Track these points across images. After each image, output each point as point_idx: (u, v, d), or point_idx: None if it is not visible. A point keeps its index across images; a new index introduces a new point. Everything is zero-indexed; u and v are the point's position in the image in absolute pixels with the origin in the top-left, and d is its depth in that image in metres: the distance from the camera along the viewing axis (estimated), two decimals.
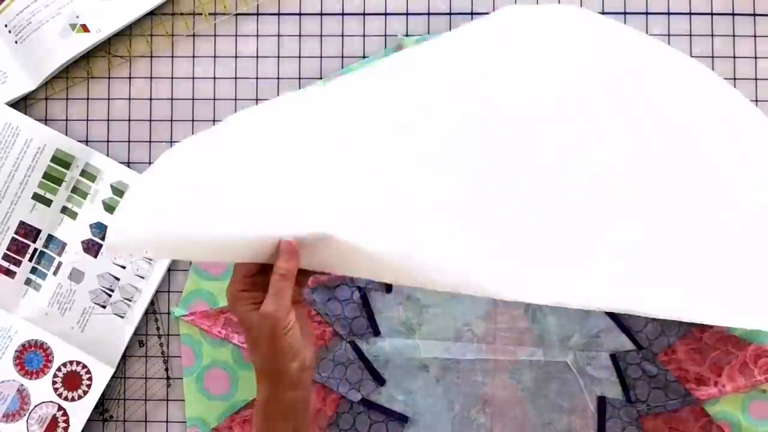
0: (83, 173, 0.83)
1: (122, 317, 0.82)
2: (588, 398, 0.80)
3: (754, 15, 0.83)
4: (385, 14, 0.84)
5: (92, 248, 0.82)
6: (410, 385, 0.81)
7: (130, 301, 0.82)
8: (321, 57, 0.84)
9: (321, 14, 0.85)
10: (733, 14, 0.83)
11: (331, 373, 0.81)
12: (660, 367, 0.79)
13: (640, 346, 0.80)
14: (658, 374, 0.79)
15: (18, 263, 0.82)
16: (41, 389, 0.81)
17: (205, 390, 0.82)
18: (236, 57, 0.85)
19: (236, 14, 0.85)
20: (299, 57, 0.84)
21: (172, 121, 0.85)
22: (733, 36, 0.83)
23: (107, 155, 0.84)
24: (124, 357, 0.83)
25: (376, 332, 0.81)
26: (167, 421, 0.83)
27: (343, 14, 0.84)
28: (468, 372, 0.81)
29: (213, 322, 0.81)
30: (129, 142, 0.84)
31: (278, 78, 0.84)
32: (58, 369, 0.82)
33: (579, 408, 0.80)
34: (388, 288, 0.81)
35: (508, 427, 0.80)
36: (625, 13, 0.83)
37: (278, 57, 0.84)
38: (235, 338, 0.81)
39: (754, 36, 0.83)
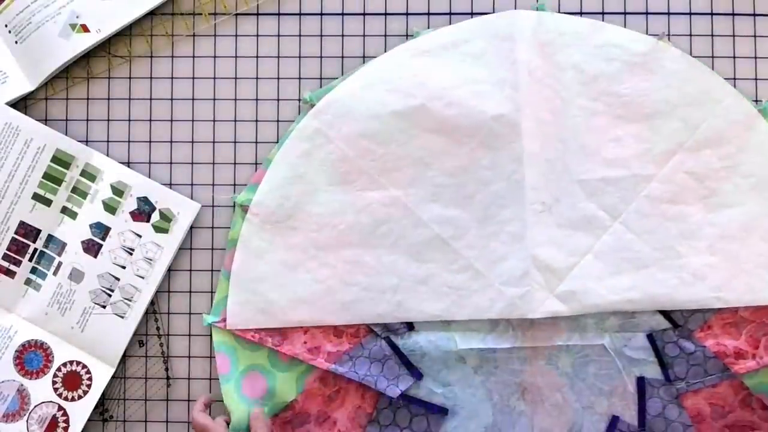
0: (83, 173, 0.83)
1: (122, 317, 0.82)
2: (627, 379, 0.80)
3: (754, 15, 0.83)
4: (385, 14, 0.84)
5: (92, 248, 0.82)
6: (448, 378, 0.81)
7: (130, 301, 0.82)
8: (321, 57, 0.84)
9: (321, 14, 0.85)
10: (733, 14, 0.83)
11: (368, 371, 0.80)
12: (697, 344, 0.79)
13: (676, 324, 0.80)
14: (696, 351, 0.79)
15: (18, 263, 0.82)
16: (41, 389, 0.81)
17: (244, 395, 0.81)
18: (236, 57, 0.85)
19: (236, 14, 0.85)
20: (299, 57, 0.84)
21: (172, 121, 0.85)
22: (733, 36, 0.83)
23: (107, 155, 0.84)
24: (124, 357, 0.83)
25: (411, 326, 0.81)
26: (167, 421, 0.83)
27: (343, 14, 0.84)
28: (505, 361, 0.81)
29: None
30: (129, 142, 0.85)
31: (278, 78, 0.84)
32: (58, 369, 0.82)
33: (618, 390, 0.80)
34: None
35: (548, 413, 0.80)
36: (625, 13, 0.83)
37: (278, 57, 0.84)
38: (268, 341, 0.81)
39: (754, 36, 0.83)
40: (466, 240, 0.80)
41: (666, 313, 0.80)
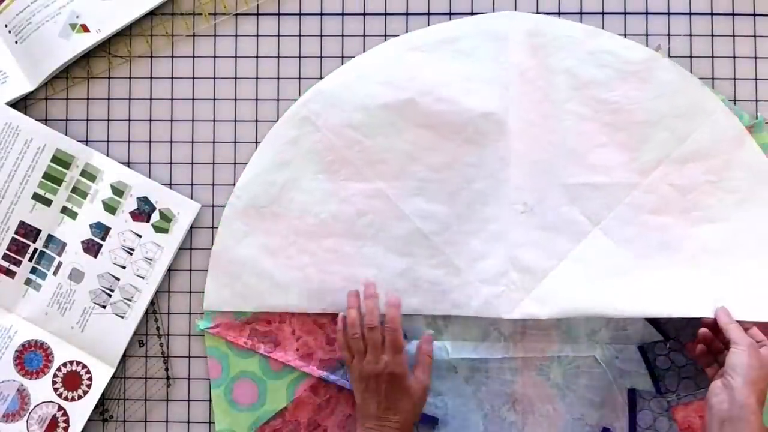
0: (83, 173, 0.83)
1: (122, 317, 0.82)
2: (618, 391, 0.80)
3: (754, 15, 0.83)
4: (385, 14, 0.84)
5: (92, 248, 0.82)
6: (439, 387, 0.81)
7: (130, 301, 0.82)
8: (321, 57, 0.84)
9: (321, 14, 0.85)
10: (733, 14, 0.83)
11: None
12: (688, 357, 0.79)
13: (668, 337, 0.80)
14: (687, 364, 0.79)
15: (18, 263, 0.82)
16: (41, 389, 0.81)
17: (234, 401, 0.81)
18: (236, 57, 0.85)
19: (236, 14, 0.85)
20: (299, 57, 0.84)
21: (172, 121, 0.85)
22: (733, 36, 0.83)
23: (107, 155, 0.84)
24: (124, 357, 0.83)
25: (404, 335, 0.81)
26: (167, 421, 0.83)
27: (343, 14, 0.84)
28: (497, 371, 0.81)
29: (238, 333, 0.82)
30: (129, 142, 0.84)
31: (278, 78, 0.84)
32: (58, 369, 0.82)
33: (609, 401, 0.80)
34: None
35: (539, 424, 0.80)
36: (625, 13, 0.83)
37: (278, 57, 0.84)
38: (261, 348, 0.81)
39: (754, 36, 0.83)
40: (446, 236, 0.80)
41: (658, 326, 0.80)
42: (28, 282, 0.82)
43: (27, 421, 0.81)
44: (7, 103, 0.82)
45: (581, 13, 0.83)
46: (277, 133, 0.82)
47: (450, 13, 0.84)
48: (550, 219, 0.80)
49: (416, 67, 0.81)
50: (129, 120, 0.85)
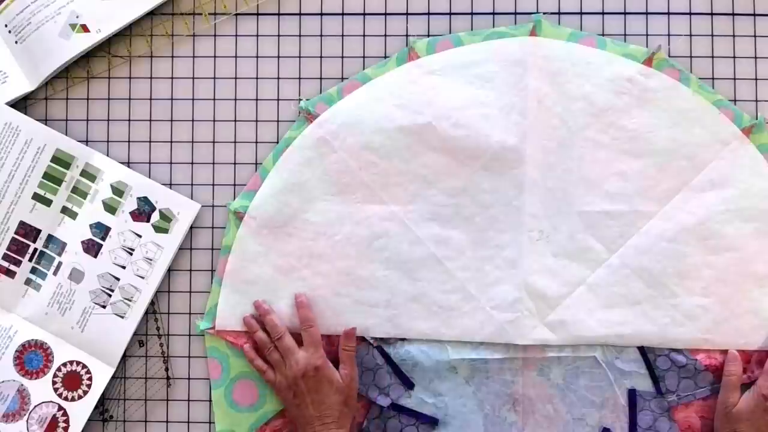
0: (83, 173, 0.83)
1: (122, 317, 0.82)
2: (618, 392, 0.80)
3: (754, 15, 0.83)
4: (385, 14, 0.84)
5: (92, 248, 0.82)
6: (440, 387, 0.81)
7: (130, 301, 0.82)
8: (321, 57, 0.84)
9: (321, 14, 0.85)
10: (733, 14, 0.83)
11: (360, 379, 0.80)
12: (689, 357, 0.80)
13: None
14: (687, 364, 0.79)
15: (18, 263, 0.82)
16: (41, 389, 0.81)
17: (234, 402, 0.81)
18: (236, 57, 0.85)
19: (236, 14, 0.85)
20: (299, 57, 0.84)
21: (172, 121, 0.85)
22: (733, 36, 0.83)
23: (107, 155, 0.84)
24: (124, 357, 0.83)
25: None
26: (167, 421, 0.83)
27: (343, 14, 0.84)
28: (497, 371, 0.81)
29: (238, 334, 0.82)
30: (129, 142, 0.85)
31: (278, 78, 0.84)
32: (58, 369, 0.82)
33: (610, 402, 0.80)
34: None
35: (539, 424, 0.80)
36: (625, 13, 0.83)
37: (278, 57, 0.84)
38: None
39: (754, 36, 0.83)
40: (460, 261, 0.81)
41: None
42: (28, 282, 0.82)
43: (27, 421, 0.81)
44: (7, 103, 0.82)
45: (581, 13, 0.83)
46: (292, 153, 0.82)
47: (450, 14, 0.84)
48: (566, 246, 0.80)
49: (433, 91, 0.81)
50: (129, 120, 0.85)
